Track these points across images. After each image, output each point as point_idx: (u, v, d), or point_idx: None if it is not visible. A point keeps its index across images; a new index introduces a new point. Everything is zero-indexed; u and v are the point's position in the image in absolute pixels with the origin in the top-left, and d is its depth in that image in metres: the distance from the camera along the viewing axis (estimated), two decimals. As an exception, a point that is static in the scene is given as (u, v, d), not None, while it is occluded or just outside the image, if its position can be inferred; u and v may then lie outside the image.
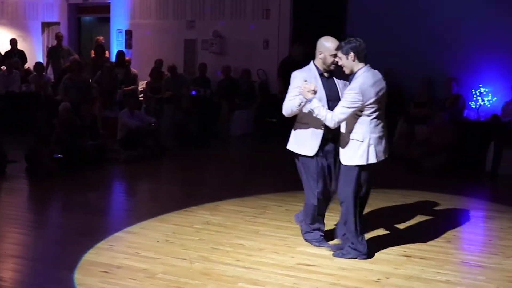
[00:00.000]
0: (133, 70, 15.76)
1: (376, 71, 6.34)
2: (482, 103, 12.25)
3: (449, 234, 7.49)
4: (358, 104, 6.11)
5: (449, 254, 6.73)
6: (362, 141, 6.24)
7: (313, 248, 6.81)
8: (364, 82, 6.13)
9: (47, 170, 10.43)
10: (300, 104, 6.31)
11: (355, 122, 6.23)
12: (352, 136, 6.27)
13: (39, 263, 6.50)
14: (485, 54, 12.11)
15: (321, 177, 6.56)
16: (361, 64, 6.25)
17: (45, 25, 19.16)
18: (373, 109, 6.22)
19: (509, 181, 10.87)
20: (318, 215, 6.74)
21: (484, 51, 12.10)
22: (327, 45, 6.43)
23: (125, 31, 17.29)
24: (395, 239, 7.17)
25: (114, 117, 13.27)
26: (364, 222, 6.71)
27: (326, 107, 6.29)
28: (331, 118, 6.14)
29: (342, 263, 6.36)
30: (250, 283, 5.83)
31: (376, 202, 8.48)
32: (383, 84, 6.30)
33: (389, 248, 6.86)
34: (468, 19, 12.41)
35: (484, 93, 12.24)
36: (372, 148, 6.26)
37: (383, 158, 6.41)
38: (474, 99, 12.34)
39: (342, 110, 6.13)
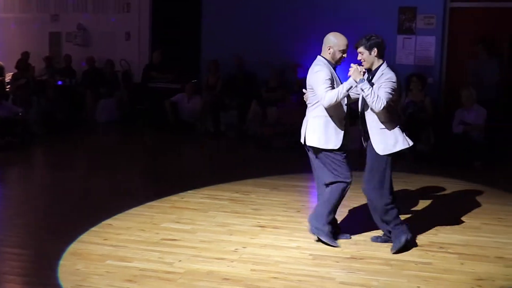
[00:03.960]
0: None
1: None
2: (325, 86, 12.54)
3: (298, 204, 7.68)
4: (393, 93, 5.75)
5: (298, 222, 6.87)
6: (397, 129, 5.89)
7: (175, 224, 6.80)
8: (394, 75, 5.82)
9: None
10: (350, 87, 5.84)
11: (387, 111, 5.78)
12: (386, 125, 5.84)
13: None
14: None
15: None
16: (381, 60, 5.92)
17: None
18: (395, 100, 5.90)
19: (353, 154, 11.23)
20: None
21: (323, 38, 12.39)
22: (335, 41, 6.07)
23: (-11, 24, 16.52)
24: (249, 212, 7.30)
25: (-18, 108, 12.67)
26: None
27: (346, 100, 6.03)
28: (381, 100, 5.66)
29: (203, 237, 6.38)
30: (117, 259, 5.74)
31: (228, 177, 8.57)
32: None
33: (244, 219, 6.96)
34: (307, 11, 12.70)
35: (327, 77, 12.54)
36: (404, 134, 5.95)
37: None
38: (318, 83, 12.61)
39: (386, 95, 5.70)
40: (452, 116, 10.60)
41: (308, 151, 6.26)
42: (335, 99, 5.86)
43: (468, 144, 10.13)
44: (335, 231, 6.28)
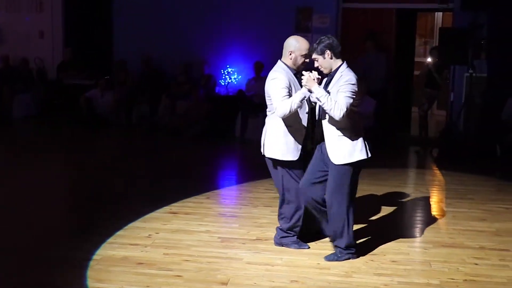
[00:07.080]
0: None
1: None
2: (230, 81, 12.57)
3: (207, 191, 7.64)
4: (354, 97, 5.06)
5: (208, 208, 6.86)
6: (358, 136, 5.21)
7: (91, 213, 6.64)
8: (354, 75, 5.12)
9: None
10: (304, 97, 5.20)
11: (347, 117, 5.05)
12: (344, 132, 5.16)
13: None
14: (230, 39, 12.41)
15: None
16: (340, 61, 5.20)
17: None
18: (357, 105, 5.22)
19: (254, 144, 11.27)
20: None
21: (229, 37, 12.39)
22: (297, 45, 5.42)
23: None
24: (162, 199, 7.20)
25: None
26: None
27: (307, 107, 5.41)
28: (340, 107, 4.96)
29: (118, 226, 6.24)
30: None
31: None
32: None
33: (157, 206, 6.87)
34: (210, 11, 12.65)
35: (231, 72, 12.56)
36: (366, 143, 5.27)
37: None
38: (223, 77, 12.63)
39: (346, 100, 4.98)
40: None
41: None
42: (288, 110, 5.21)
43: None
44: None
